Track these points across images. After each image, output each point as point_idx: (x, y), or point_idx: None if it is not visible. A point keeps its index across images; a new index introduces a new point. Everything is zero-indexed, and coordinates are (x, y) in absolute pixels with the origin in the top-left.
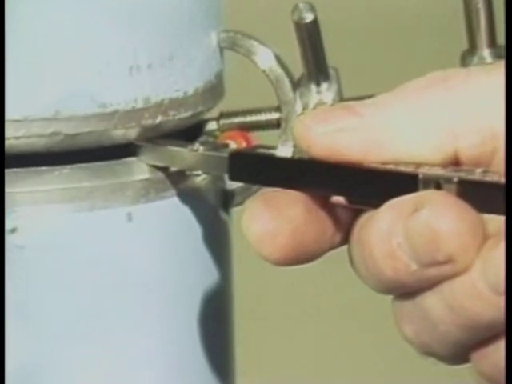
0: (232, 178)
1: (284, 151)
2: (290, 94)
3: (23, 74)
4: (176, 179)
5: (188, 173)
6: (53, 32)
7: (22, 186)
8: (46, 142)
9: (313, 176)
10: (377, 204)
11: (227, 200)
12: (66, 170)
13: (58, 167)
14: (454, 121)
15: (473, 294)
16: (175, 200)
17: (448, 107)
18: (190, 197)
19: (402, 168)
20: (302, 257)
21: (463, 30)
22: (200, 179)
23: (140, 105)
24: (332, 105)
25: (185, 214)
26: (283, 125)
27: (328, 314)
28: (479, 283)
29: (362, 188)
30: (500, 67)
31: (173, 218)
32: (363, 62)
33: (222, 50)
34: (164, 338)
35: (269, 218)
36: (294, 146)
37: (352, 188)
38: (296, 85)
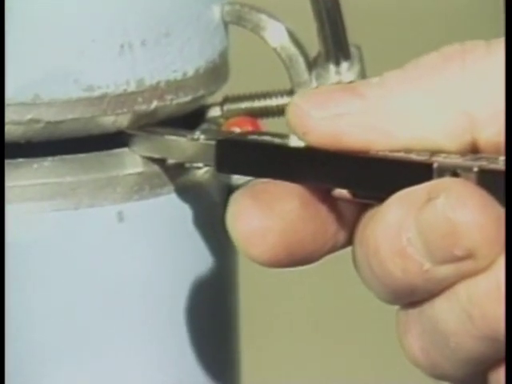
0: (219, 169)
1: (297, 140)
2: (305, 75)
3: None
4: (174, 173)
5: (187, 165)
6: (30, 4)
7: None
8: (24, 130)
9: (312, 166)
10: (385, 197)
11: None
12: (46, 162)
13: (38, 159)
14: (472, 104)
15: (498, 298)
16: (173, 197)
17: (465, 88)
18: (189, 193)
19: (414, 156)
20: (296, 258)
21: (502, 15)
22: (201, 173)
23: (132, 88)
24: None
25: (184, 212)
26: None
27: (334, 315)
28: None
29: (368, 179)
30: None
31: (170, 218)
32: (390, 38)
33: (226, 25)
34: (159, 345)
35: (257, 215)
36: None
37: (356, 179)
38: (312, 65)
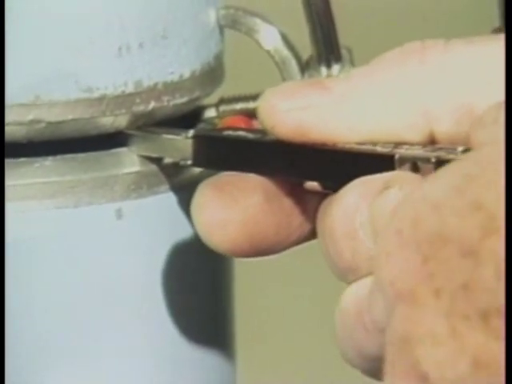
0: (196, 164)
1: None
2: (298, 76)
3: None
4: (170, 172)
5: (182, 163)
6: (30, 6)
7: None
8: (26, 130)
9: (281, 159)
10: None
11: None
12: (47, 161)
13: (39, 159)
14: (429, 99)
15: (383, 295)
16: (170, 195)
17: (423, 83)
18: (186, 191)
19: (379, 148)
20: (259, 249)
21: (494, 7)
22: (197, 171)
23: (130, 89)
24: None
25: (180, 210)
26: None
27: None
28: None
29: (335, 171)
30: (484, 38)
31: (167, 215)
32: (379, 41)
33: (221, 28)
34: (157, 344)
35: (219, 206)
36: None
37: (324, 171)
38: (304, 67)
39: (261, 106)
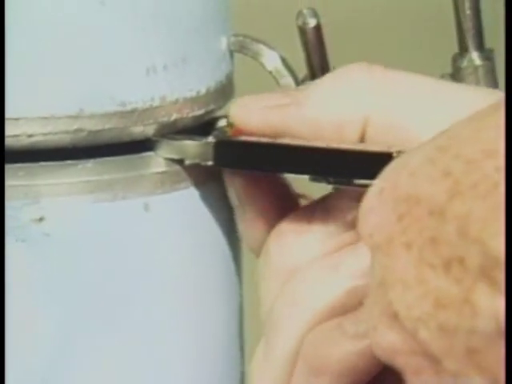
0: (217, 164)
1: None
2: None
3: (49, 75)
4: (190, 171)
5: (203, 163)
6: (77, 37)
7: (48, 178)
8: (71, 138)
9: (290, 158)
10: (353, 183)
11: None
12: (88, 163)
13: (82, 161)
14: (367, 106)
15: None
16: (190, 190)
17: (364, 93)
18: (203, 188)
19: (375, 147)
20: None
21: (454, 35)
22: (212, 170)
23: (157, 103)
24: None
25: (198, 203)
26: None
27: None
28: None
29: (339, 168)
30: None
31: (189, 208)
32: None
33: (231, 52)
34: (179, 325)
35: None
36: None
37: (329, 169)
38: (300, 85)
39: (232, 108)
